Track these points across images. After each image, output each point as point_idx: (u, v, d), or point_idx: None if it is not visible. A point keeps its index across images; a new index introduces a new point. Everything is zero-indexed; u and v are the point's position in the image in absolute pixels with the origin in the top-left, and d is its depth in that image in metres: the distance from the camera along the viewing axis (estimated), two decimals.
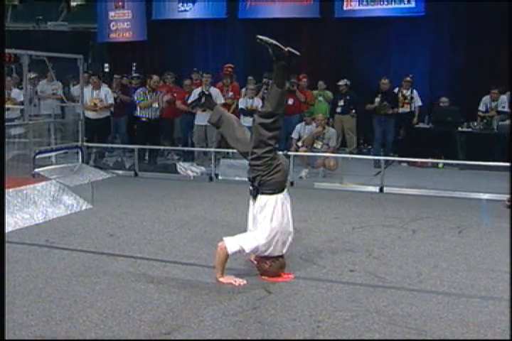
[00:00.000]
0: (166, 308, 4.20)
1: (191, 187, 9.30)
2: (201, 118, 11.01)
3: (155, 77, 11.41)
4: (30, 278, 4.87)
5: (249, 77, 12.36)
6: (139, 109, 11.16)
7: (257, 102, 11.13)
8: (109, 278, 4.89)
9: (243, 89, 11.92)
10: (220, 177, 9.88)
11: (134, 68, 13.85)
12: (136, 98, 11.22)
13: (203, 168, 10.35)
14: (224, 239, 4.77)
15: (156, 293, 4.53)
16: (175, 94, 11.89)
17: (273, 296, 4.48)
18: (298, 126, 10.60)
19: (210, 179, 9.83)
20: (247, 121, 11.12)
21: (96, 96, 11.29)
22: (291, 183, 8.95)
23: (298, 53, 4.78)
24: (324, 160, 9.97)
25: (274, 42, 4.76)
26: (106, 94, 11.46)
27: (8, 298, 4.33)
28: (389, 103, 11.59)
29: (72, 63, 10.37)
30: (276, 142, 4.86)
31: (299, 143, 10.35)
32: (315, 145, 10.24)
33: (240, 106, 11.38)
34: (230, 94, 11.81)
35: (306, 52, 13.48)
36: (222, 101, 11.14)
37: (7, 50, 8.98)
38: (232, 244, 4.70)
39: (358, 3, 13.90)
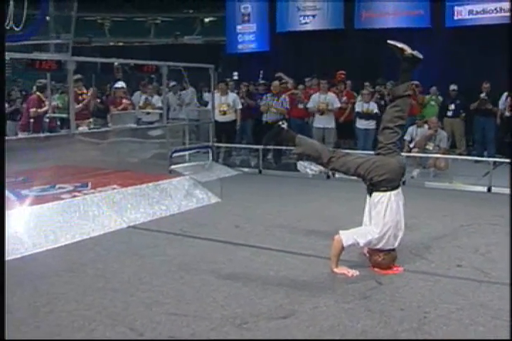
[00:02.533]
0: (284, 294, 4.24)
1: (310, 184, 9.30)
2: (319, 121, 11.10)
3: (274, 83, 11.51)
4: (165, 262, 5.08)
5: (366, 83, 12.32)
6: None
7: (373, 106, 11.05)
8: (234, 265, 5.01)
9: (359, 95, 11.80)
10: (336, 176, 9.80)
11: (261, 76, 13.98)
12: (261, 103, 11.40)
13: (321, 167, 10.30)
14: (340, 232, 4.76)
15: (275, 280, 4.58)
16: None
17: (383, 287, 4.43)
18: (410, 128, 10.36)
19: (328, 177, 9.77)
20: (362, 123, 11.14)
21: (224, 102, 11.49)
22: (403, 182, 8.71)
23: (421, 56, 4.71)
24: (435, 160, 9.72)
25: (400, 45, 4.75)
26: (234, 99, 11.61)
27: (146, 278, 4.58)
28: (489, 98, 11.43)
29: (205, 72, 10.71)
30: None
31: (411, 145, 10.15)
32: (427, 146, 10.01)
33: (357, 109, 11.30)
34: (344, 98, 11.77)
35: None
36: (339, 105, 11.16)
37: (149, 62, 9.37)
38: (347, 237, 4.69)
39: (467, 12, 13.43)
